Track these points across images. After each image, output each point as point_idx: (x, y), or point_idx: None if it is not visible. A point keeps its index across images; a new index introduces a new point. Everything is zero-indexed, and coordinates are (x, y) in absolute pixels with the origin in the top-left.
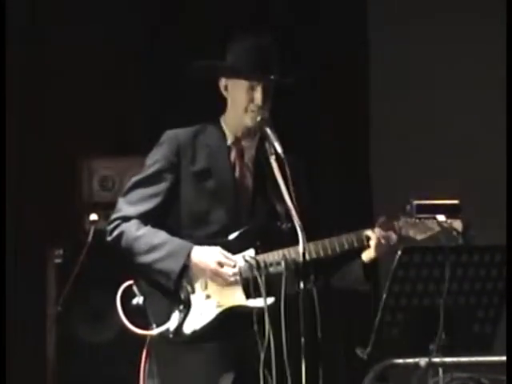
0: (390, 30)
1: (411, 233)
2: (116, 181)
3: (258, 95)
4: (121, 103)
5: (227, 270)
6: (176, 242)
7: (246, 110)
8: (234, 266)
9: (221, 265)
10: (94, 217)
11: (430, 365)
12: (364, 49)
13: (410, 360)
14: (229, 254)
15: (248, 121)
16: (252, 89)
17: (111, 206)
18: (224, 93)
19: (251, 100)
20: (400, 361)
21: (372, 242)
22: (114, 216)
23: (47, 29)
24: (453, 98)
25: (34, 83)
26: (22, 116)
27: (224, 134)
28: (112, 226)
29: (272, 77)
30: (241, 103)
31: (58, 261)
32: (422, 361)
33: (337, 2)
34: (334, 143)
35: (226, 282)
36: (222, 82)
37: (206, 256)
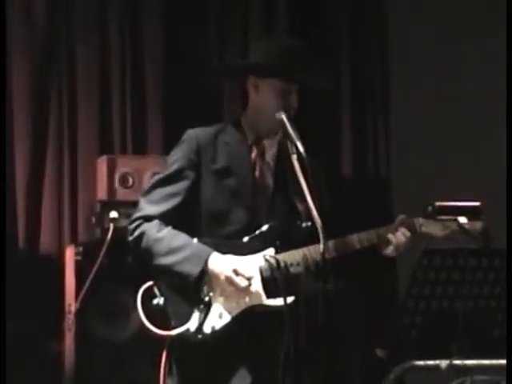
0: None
1: (431, 230)
2: (135, 178)
3: (294, 97)
4: (141, 101)
5: (240, 281)
6: (195, 246)
7: (277, 111)
8: (249, 279)
9: (236, 273)
10: (113, 214)
11: (451, 367)
12: (385, 51)
13: (431, 362)
14: (245, 270)
15: (276, 121)
16: (287, 91)
17: (131, 203)
18: (251, 91)
19: (285, 101)
20: (421, 363)
21: (391, 240)
22: (135, 215)
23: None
24: (478, 97)
25: (53, 79)
26: (41, 112)
27: (245, 133)
28: (133, 225)
29: (313, 81)
30: (273, 104)
31: (77, 258)
32: (443, 363)
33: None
34: (354, 142)
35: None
36: (251, 80)
37: (222, 263)
